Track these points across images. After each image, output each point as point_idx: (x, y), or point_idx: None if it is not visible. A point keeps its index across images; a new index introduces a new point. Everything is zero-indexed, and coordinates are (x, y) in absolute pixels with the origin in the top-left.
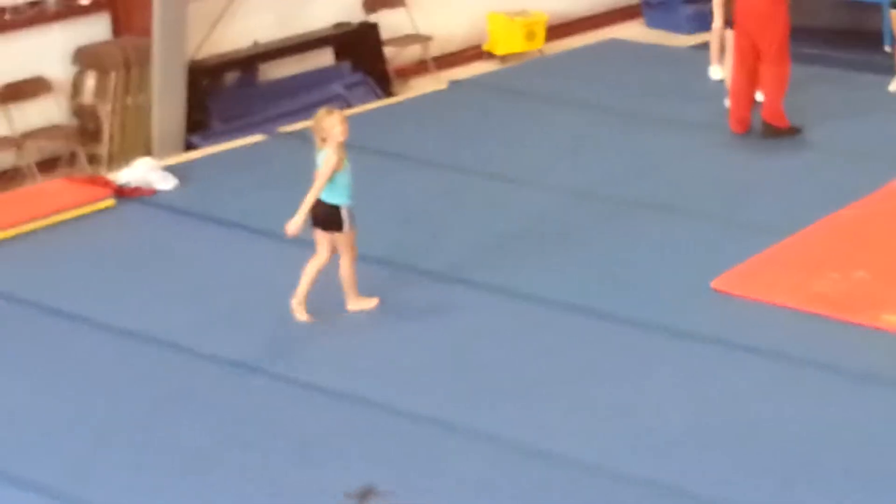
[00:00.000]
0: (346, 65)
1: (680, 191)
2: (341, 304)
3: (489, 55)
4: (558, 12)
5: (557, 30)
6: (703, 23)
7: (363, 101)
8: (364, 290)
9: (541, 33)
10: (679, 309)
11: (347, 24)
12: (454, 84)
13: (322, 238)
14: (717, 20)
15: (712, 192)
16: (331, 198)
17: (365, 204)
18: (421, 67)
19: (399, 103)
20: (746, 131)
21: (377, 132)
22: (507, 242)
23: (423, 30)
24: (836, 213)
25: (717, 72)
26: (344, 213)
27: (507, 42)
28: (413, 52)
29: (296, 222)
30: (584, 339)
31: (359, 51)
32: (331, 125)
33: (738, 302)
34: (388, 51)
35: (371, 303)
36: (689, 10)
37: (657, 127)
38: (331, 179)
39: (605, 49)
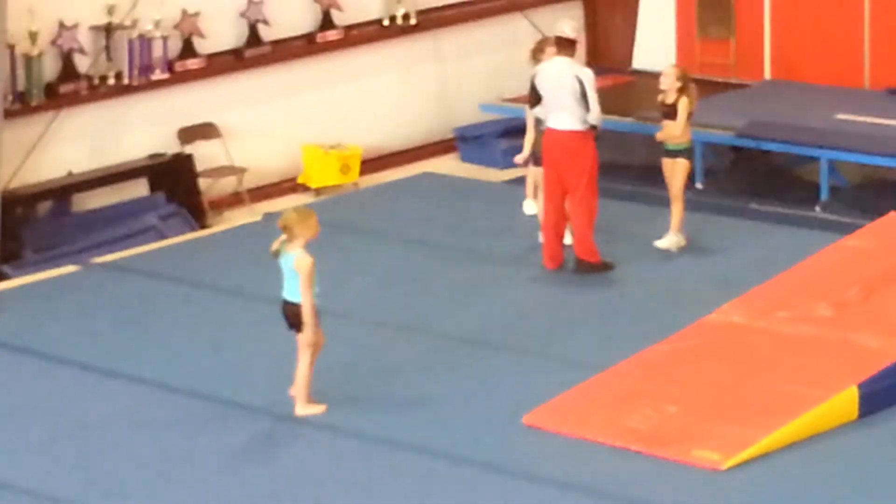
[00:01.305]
0: (161, 196)
1: (494, 325)
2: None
3: (304, 187)
4: (373, 146)
5: (372, 163)
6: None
7: (177, 232)
8: (176, 423)
9: (355, 166)
10: (492, 443)
11: (162, 154)
12: (268, 216)
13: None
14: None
15: (526, 326)
16: (293, 295)
17: (172, 335)
18: (235, 199)
19: (213, 235)
20: (559, 266)
21: (190, 263)
22: (323, 376)
23: (238, 161)
24: (648, 349)
25: (531, 206)
26: (305, 312)
27: (321, 174)
28: (228, 184)
29: (306, 326)
30: (400, 473)
31: (173, 182)
32: (304, 224)
33: (551, 437)
34: (202, 182)
35: (319, 408)
36: (504, 144)
37: (471, 261)
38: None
39: (420, 182)
